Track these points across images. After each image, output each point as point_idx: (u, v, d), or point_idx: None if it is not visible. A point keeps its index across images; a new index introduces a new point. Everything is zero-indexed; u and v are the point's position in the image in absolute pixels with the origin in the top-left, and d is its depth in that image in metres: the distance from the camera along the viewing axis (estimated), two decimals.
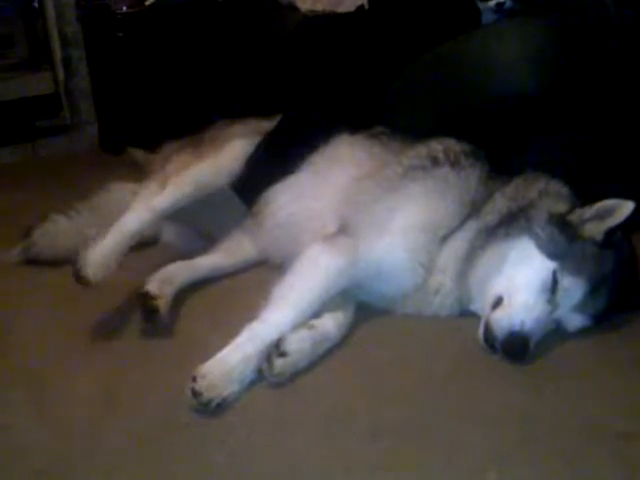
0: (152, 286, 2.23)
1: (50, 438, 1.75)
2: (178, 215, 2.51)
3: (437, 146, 2.29)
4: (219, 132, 2.68)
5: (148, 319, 2.17)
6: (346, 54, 2.78)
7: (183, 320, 2.25)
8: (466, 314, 2.15)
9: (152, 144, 2.93)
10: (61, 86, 4.32)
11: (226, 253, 2.55)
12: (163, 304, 2.19)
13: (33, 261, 2.61)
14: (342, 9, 3.53)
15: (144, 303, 2.18)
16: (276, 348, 1.90)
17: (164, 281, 2.29)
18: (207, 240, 2.61)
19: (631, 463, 1.60)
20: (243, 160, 2.55)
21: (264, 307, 1.98)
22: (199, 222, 2.63)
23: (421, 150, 2.29)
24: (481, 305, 2.07)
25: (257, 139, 2.60)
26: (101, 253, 2.18)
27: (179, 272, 2.39)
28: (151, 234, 2.71)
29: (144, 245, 2.68)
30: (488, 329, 1.97)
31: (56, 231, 2.64)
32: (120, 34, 4.01)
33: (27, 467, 1.67)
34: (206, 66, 3.85)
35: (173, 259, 2.48)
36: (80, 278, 2.14)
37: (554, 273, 1.97)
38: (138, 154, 2.94)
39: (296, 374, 1.92)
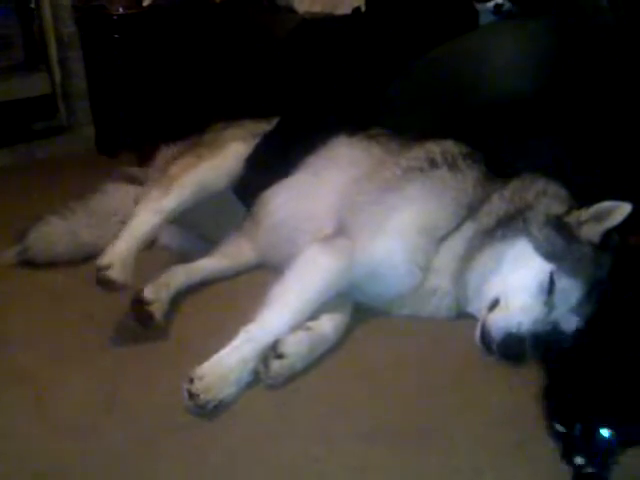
0: (148, 291, 2.22)
1: (48, 440, 1.75)
2: (178, 218, 2.50)
3: (435, 148, 2.29)
4: (217, 134, 2.68)
5: (143, 325, 2.16)
6: (343, 56, 2.77)
7: (180, 322, 2.24)
8: (463, 315, 2.15)
9: (147, 147, 2.93)
10: (57, 88, 4.32)
11: (224, 256, 2.55)
12: (158, 309, 2.18)
13: (29, 262, 2.60)
14: (339, 11, 3.54)
15: (139, 309, 2.16)
16: (273, 350, 1.90)
17: (161, 285, 2.28)
18: (206, 243, 2.60)
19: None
20: (242, 162, 2.54)
21: (261, 309, 1.98)
22: (198, 225, 2.63)
23: (419, 152, 2.29)
24: (478, 307, 2.07)
25: (254, 141, 2.59)
26: (119, 256, 2.17)
27: (176, 276, 2.38)
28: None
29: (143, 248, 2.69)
30: (485, 330, 1.97)
31: (52, 233, 2.63)
32: (116, 36, 4.01)
33: (26, 470, 1.66)
34: (203, 68, 3.85)
35: (172, 262, 2.47)
36: (107, 282, 2.12)
37: (551, 275, 1.97)
38: (133, 170, 2.93)
39: (293, 376, 1.92)
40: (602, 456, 1.49)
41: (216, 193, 2.51)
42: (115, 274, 2.12)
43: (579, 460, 1.50)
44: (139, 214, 2.35)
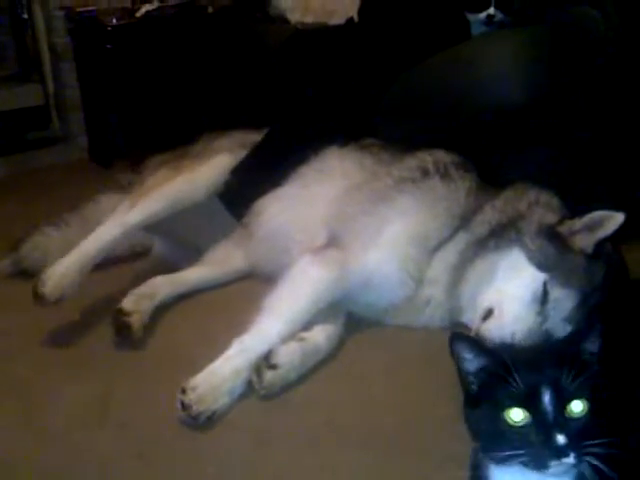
0: (128, 301, 2.22)
1: (40, 451, 1.73)
2: (167, 227, 2.50)
3: (427, 157, 2.30)
4: (205, 145, 2.68)
5: (120, 335, 2.16)
6: (336, 66, 2.78)
7: (172, 332, 2.24)
8: (457, 325, 2.15)
9: (140, 157, 2.93)
10: (51, 98, 4.32)
11: (214, 265, 2.54)
12: (137, 320, 2.18)
13: (23, 273, 2.59)
14: (333, 22, 3.55)
15: (116, 319, 2.17)
16: (266, 361, 1.89)
17: (143, 296, 2.28)
18: (198, 252, 2.60)
19: None
20: (225, 174, 2.54)
21: (254, 320, 1.98)
22: (189, 234, 2.62)
23: (411, 162, 2.30)
24: (472, 316, 2.07)
25: (243, 152, 2.59)
26: (62, 271, 2.17)
27: (162, 286, 2.38)
28: (143, 245, 2.71)
29: (136, 257, 2.69)
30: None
31: (45, 243, 2.62)
32: (109, 46, 4.01)
33: None
34: (196, 78, 3.85)
35: (164, 271, 2.47)
36: (37, 296, 2.12)
37: (544, 284, 1.96)
38: (122, 178, 2.93)
39: (287, 386, 1.92)
40: None
41: (195, 205, 2.50)
42: (47, 289, 2.12)
43: None
44: (102, 226, 2.36)
